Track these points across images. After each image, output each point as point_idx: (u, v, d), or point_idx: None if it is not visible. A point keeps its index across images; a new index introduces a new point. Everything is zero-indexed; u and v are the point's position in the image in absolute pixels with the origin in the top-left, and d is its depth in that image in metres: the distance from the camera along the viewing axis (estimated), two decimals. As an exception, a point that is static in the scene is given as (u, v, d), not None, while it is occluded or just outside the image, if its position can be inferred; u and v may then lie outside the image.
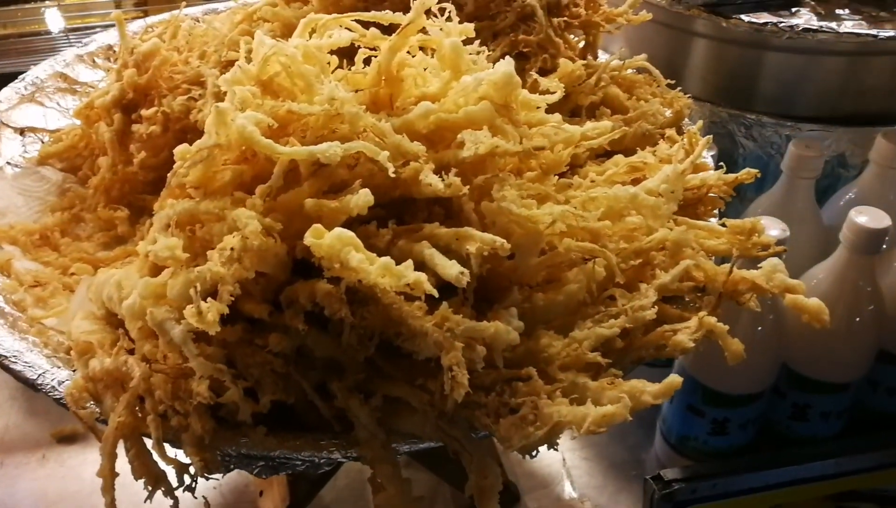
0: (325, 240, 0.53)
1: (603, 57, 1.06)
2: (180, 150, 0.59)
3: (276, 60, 0.65)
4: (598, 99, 0.91)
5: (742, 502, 1.03)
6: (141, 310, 0.56)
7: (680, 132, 0.94)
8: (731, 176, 0.79)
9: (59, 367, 0.65)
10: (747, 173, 0.79)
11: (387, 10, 0.74)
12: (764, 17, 1.09)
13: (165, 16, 1.10)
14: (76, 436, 1.11)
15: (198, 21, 1.08)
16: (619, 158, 0.81)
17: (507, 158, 0.64)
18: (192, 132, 0.91)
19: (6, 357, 0.65)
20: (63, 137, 0.94)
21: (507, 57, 0.64)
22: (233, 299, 0.53)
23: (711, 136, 0.73)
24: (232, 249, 0.52)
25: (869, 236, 0.90)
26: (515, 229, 0.62)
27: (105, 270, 0.72)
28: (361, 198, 0.57)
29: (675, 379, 0.55)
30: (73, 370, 0.66)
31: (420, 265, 0.59)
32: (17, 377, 0.64)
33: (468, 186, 0.62)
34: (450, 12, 0.71)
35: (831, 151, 1.18)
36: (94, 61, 1.03)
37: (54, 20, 1.74)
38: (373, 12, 0.73)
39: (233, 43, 0.91)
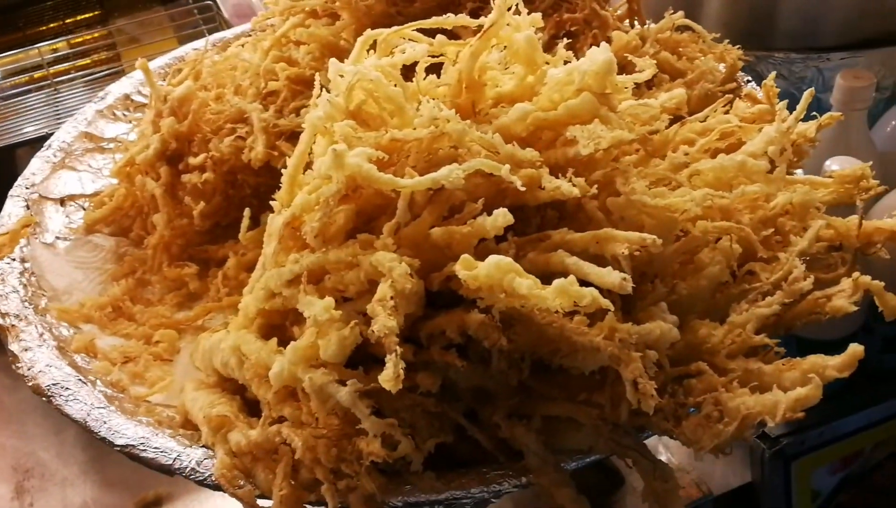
0: (481, 271, 0.50)
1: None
2: (300, 201, 0.55)
3: (360, 88, 0.61)
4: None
5: (849, 444, 1.02)
6: (290, 376, 0.53)
7: (737, 85, 0.92)
8: (817, 121, 0.77)
9: (189, 446, 0.62)
10: (830, 117, 0.77)
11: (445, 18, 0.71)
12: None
13: (177, 54, 1.06)
14: (160, 500, 1.07)
15: (207, 51, 1.04)
16: (696, 125, 0.78)
17: (623, 148, 0.61)
18: (241, 172, 0.87)
19: (134, 447, 0.61)
20: (106, 200, 0.89)
21: (603, 43, 0.61)
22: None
23: (813, 88, 0.70)
24: (392, 297, 0.49)
25: (945, 157, 0.89)
26: (646, 221, 0.59)
27: (206, 334, 0.69)
28: (499, 218, 0.54)
29: (857, 349, 0.53)
30: (202, 446, 0.63)
31: (553, 279, 0.57)
32: (150, 464, 0.61)
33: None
34: (517, 5, 0.68)
35: (862, 76, 1.17)
36: (114, 114, 0.99)
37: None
38: (434, 18, 0.69)
39: (268, 72, 0.87)
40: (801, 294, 0.58)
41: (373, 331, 0.49)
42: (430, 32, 0.69)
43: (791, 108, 1.27)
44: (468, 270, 0.51)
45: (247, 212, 0.75)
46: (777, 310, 0.57)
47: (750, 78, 0.92)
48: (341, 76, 0.62)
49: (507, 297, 0.50)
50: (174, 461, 0.60)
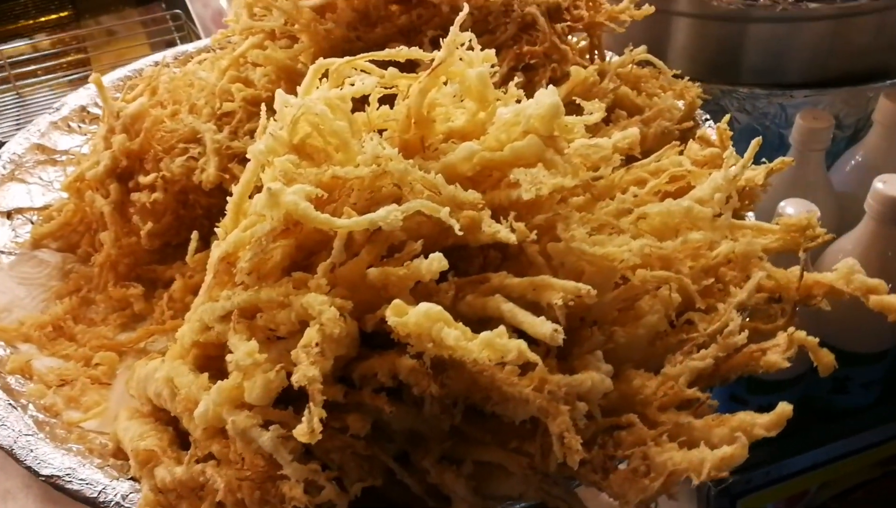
0: (410, 318, 0.49)
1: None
2: (234, 238, 0.55)
3: (305, 120, 0.61)
4: (610, 102, 0.88)
5: (794, 484, 1.03)
6: (215, 417, 0.52)
7: (695, 123, 0.93)
8: (769, 166, 0.77)
9: (116, 478, 0.61)
10: (781, 162, 0.77)
11: (397, 45, 0.70)
12: (753, -8, 1.07)
13: (137, 66, 1.04)
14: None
15: (168, 66, 1.03)
16: (650, 165, 0.78)
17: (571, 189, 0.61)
18: (192, 192, 0.86)
19: (60, 477, 0.60)
20: (55, 215, 0.88)
21: (551, 87, 0.61)
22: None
23: (760, 138, 0.70)
24: (317, 344, 0.48)
25: (896, 205, 0.90)
26: (587, 268, 0.59)
27: (142, 362, 0.67)
28: (434, 263, 0.53)
29: (785, 408, 0.53)
30: (131, 478, 0.62)
31: (490, 322, 0.56)
32: (75, 496, 0.60)
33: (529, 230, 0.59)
34: (470, 41, 0.67)
35: (825, 113, 1.17)
36: (68, 126, 0.97)
37: None
38: (387, 50, 0.69)
39: (224, 92, 0.86)
40: (736, 348, 0.58)
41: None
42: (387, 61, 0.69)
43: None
44: (398, 316, 0.50)
45: (194, 235, 0.73)
46: (711, 363, 0.57)
47: (708, 116, 0.92)
48: (287, 107, 0.61)
49: (435, 346, 0.49)
50: (99, 494, 0.59)
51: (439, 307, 0.50)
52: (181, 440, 0.63)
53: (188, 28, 1.58)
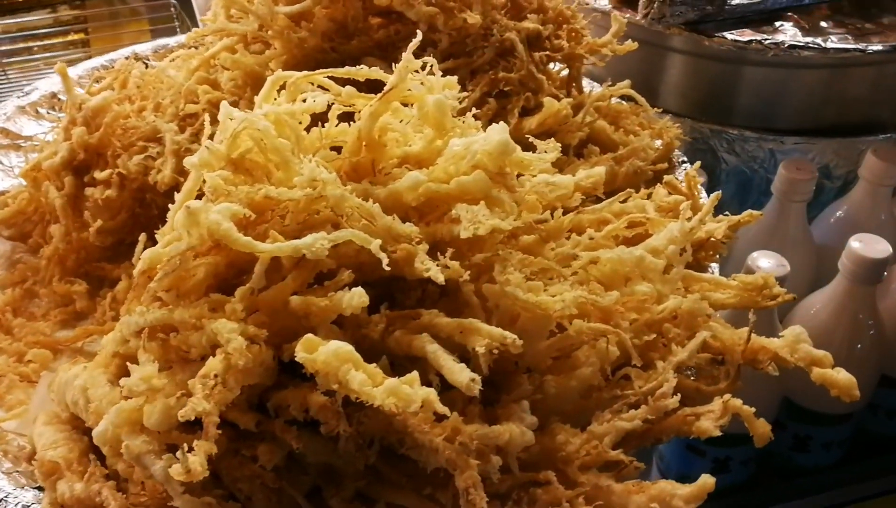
0: (319, 356, 0.47)
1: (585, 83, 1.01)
2: (150, 254, 0.53)
3: (247, 135, 0.59)
4: (585, 135, 0.86)
5: (747, 539, 1.00)
6: (114, 438, 0.50)
7: (671, 164, 0.90)
8: (734, 219, 0.74)
9: (22, 487, 0.59)
10: (749, 215, 0.75)
11: (365, 64, 0.68)
12: (747, 34, 1.05)
13: (114, 56, 1.03)
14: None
15: (147, 62, 1.01)
16: (615, 206, 0.76)
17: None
18: (149, 191, 0.84)
19: (-39, 481, 0.58)
20: (9, 202, 0.86)
21: (502, 123, 0.59)
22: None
23: (720, 192, 0.68)
24: (216, 375, 0.46)
25: (870, 266, 0.87)
26: (522, 313, 0.57)
27: (67, 366, 0.65)
28: (355, 299, 0.51)
29: (707, 481, 0.51)
30: (38, 488, 0.60)
31: (419, 360, 0.55)
32: (-25, 501, 0.58)
33: (466, 268, 0.56)
34: (431, 66, 0.65)
35: (816, 162, 1.15)
36: (37, 112, 0.96)
37: None
38: (347, 68, 0.67)
39: (190, 93, 0.84)
40: (667, 412, 0.56)
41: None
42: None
43: (742, 185, 1.25)
44: (307, 352, 0.48)
45: (142, 237, 0.71)
46: (639, 425, 0.55)
47: (685, 158, 0.90)
48: (231, 119, 0.59)
49: (341, 387, 0.47)
50: (0, 502, 0.57)
51: (350, 347, 0.48)
52: (95, 450, 0.61)
53: (182, 18, 1.57)
